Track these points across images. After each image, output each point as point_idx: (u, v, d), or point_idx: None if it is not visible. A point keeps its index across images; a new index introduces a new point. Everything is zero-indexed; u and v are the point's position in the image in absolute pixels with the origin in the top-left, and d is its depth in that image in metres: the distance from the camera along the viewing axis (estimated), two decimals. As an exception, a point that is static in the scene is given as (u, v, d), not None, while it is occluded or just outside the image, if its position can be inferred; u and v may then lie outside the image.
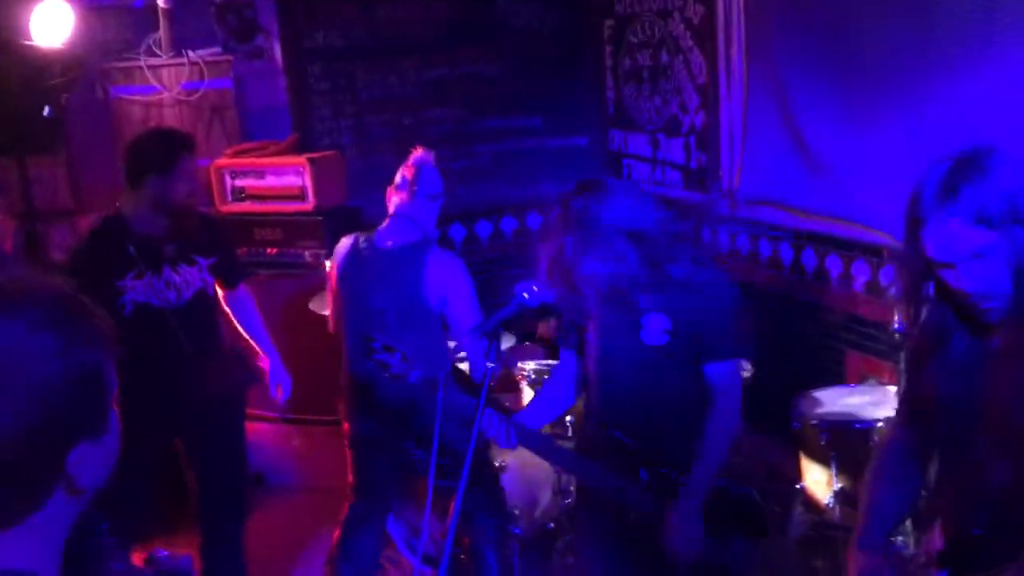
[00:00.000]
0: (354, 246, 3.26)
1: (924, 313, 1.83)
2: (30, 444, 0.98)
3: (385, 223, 3.24)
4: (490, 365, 2.09)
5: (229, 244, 3.53)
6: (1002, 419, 1.68)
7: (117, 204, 3.22)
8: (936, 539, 1.82)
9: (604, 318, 2.57)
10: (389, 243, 3.19)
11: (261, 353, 3.57)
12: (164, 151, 3.13)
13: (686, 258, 2.49)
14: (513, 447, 2.54)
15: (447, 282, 3.12)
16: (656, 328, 2.47)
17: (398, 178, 3.23)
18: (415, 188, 3.19)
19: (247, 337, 3.57)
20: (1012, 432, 1.67)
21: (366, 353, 2.45)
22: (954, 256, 1.64)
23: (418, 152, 3.27)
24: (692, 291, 2.45)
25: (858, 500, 2.13)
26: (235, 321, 3.55)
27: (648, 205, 2.49)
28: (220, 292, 3.46)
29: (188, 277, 3.22)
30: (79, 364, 1.00)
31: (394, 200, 3.23)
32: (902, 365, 3.37)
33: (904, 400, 2.11)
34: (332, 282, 3.31)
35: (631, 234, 2.38)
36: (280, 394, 3.57)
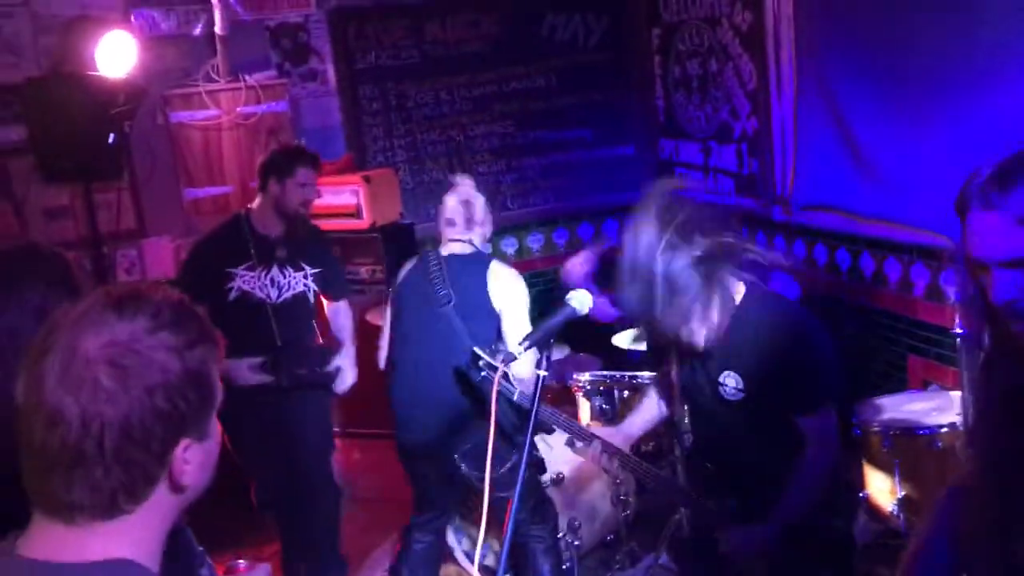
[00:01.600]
0: (421, 259, 3.33)
1: (974, 327, 1.59)
2: (142, 434, 1.04)
3: (444, 245, 3.29)
4: (542, 374, 2.08)
5: (335, 260, 3.89)
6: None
7: (248, 205, 3.63)
8: None
9: (682, 367, 2.52)
10: (453, 254, 3.26)
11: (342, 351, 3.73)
12: (286, 159, 3.56)
13: (751, 298, 2.35)
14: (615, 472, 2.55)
15: (507, 291, 3.17)
16: (731, 386, 2.39)
17: (447, 210, 3.28)
18: (469, 219, 3.26)
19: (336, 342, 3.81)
20: None
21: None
22: (988, 254, 1.43)
23: (459, 182, 3.34)
24: (762, 343, 2.33)
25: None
26: (332, 329, 3.82)
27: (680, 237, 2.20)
28: (325, 301, 3.77)
29: (292, 280, 3.56)
30: (193, 363, 1.07)
31: (447, 231, 3.29)
32: (964, 369, 3.32)
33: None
34: (393, 296, 3.37)
35: (665, 279, 2.19)
36: (340, 386, 3.68)
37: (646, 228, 2.21)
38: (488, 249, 3.42)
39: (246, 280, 3.48)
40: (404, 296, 3.30)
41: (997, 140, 3.35)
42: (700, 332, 2.35)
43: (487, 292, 3.16)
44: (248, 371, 3.40)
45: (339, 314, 3.80)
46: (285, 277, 3.54)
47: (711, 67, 5.18)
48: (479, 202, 3.29)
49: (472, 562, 3.79)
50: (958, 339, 3.33)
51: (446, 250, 3.27)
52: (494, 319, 3.17)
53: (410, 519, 3.41)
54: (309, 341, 3.66)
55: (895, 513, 3.32)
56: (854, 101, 4.13)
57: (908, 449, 3.30)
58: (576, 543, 3.57)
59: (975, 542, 1.71)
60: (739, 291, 2.37)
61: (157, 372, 1.04)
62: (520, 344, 2.10)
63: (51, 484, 1.03)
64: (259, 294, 3.49)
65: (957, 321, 3.34)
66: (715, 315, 2.32)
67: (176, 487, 1.09)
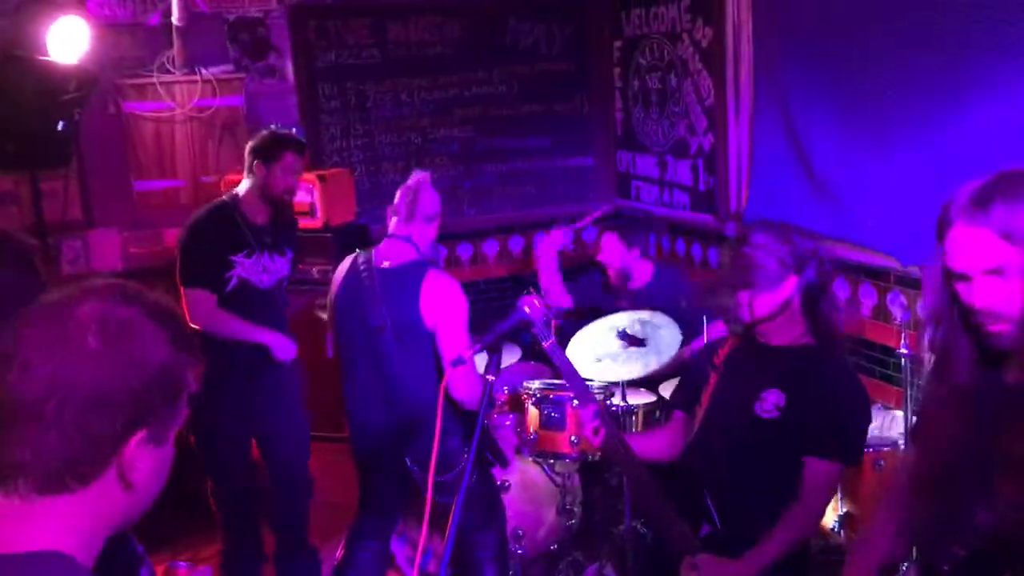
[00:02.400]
0: (352, 266, 3.26)
1: (939, 332, 1.73)
2: (108, 409, 1.03)
3: (383, 243, 3.24)
4: (490, 379, 2.07)
5: (301, 246, 3.94)
6: (1006, 463, 1.60)
7: (232, 190, 3.59)
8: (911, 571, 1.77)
9: (723, 380, 2.54)
10: (386, 263, 3.18)
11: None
12: (274, 143, 3.55)
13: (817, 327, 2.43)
14: (597, 445, 2.50)
15: (441, 307, 3.10)
16: (771, 402, 2.41)
17: (396, 199, 3.24)
18: (413, 209, 3.19)
19: None
20: (1014, 478, 1.59)
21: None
22: (972, 267, 1.58)
23: (416, 174, 3.30)
24: (821, 376, 2.39)
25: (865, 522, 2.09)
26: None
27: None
28: None
29: (279, 265, 3.60)
30: (175, 364, 1.09)
31: (392, 221, 3.25)
32: (909, 390, 3.37)
33: (916, 422, 2.04)
34: (331, 304, 3.32)
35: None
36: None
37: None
38: (433, 254, 3.35)
39: (245, 267, 3.48)
40: (340, 312, 3.23)
41: (949, 163, 3.41)
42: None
43: (419, 311, 3.05)
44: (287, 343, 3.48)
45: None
46: (273, 262, 3.57)
47: (670, 82, 5.22)
48: (427, 196, 3.20)
49: (413, 568, 3.75)
50: (903, 359, 3.38)
51: (382, 257, 3.18)
52: (430, 339, 3.07)
53: (355, 524, 3.36)
54: (285, 325, 3.68)
55: (835, 530, 3.36)
56: (809, 120, 4.19)
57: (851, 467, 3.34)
58: (520, 551, 3.55)
59: (917, 533, 1.79)
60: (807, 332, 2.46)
61: (142, 351, 1.05)
62: (470, 348, 2.09)
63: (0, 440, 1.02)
64: (254, 280, 3.51)
65: (903, 341, 3.40)
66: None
67: (124, 481, 1.06)
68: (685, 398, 2.71)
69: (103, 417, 1.03)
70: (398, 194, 3.24)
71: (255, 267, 3.50)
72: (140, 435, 1.06)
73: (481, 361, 2.18)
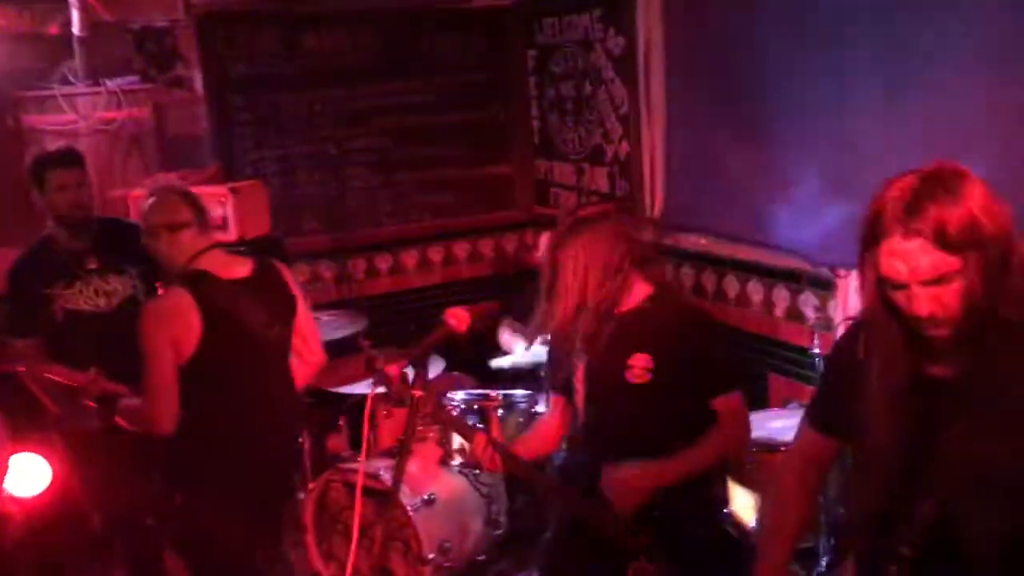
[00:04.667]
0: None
1: (874, 333, 1.72)
2: None
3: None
4: (416, 393, 2.06)
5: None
6: (945, 458, 1.61)
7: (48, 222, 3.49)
8: (848, 573, 1.79)
9: (589, 360, 2.62)
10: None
11: None
12: (34, 169, 3.43)
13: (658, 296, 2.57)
14: (498, 470, 2.59)
15: None
16: (638, 367, 2.52)
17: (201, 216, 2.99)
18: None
19: None
20: (953, 471, 1.61)
21: None
22: (911, 278, 1.56)
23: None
24: (666, 323, 2.52)
25: (761, 518, 2.14)
26: None
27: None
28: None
29: (118, 285, 3.46)
30: None
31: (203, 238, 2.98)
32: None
33: (820, 409, 2.00)
34: None
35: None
36: None
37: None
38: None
39: (67, 299, 3.39)
40: None
41: (857, 168, 3.52)
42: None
43: None
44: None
45: None
46: (109, 283, 3.46)
47: (585, 90, 5.27)
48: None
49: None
50: (816, 359, 3.47)
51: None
52: None
53: None
54: None
55: (757, 529, 3.41)
56: (722, 126, 4.27)
57: (771, 465, 3.40)
58: (447, 564, 3.52)
59: (859, 529, 1.83)
60: (643, 289, 2.58)
61: None
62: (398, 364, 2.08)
63: None
64: (87, 307, 3.40)
65: (815, 341, 3.49)
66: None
67: None
68: (557, 382, 2.78)
69: None
70: (202, 211, 3.01)
71: (79, 295, 3.40)
72: None
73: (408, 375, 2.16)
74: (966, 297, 1.54)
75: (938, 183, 1.55)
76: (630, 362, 2.52)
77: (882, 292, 1.63)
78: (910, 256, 1.54)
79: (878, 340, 1.69)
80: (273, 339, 3.01)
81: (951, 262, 1.52)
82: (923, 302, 1.56)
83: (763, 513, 2.09)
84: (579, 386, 2.66)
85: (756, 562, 2.00)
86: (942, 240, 1.51)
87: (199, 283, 2.84)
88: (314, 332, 3.23)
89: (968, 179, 1.56)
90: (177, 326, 2.79)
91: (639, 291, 2.58)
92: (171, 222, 2.89)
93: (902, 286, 1.58)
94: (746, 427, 2.67)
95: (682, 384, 2.50)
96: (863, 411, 1.71)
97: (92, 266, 3.43)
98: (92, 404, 3.06)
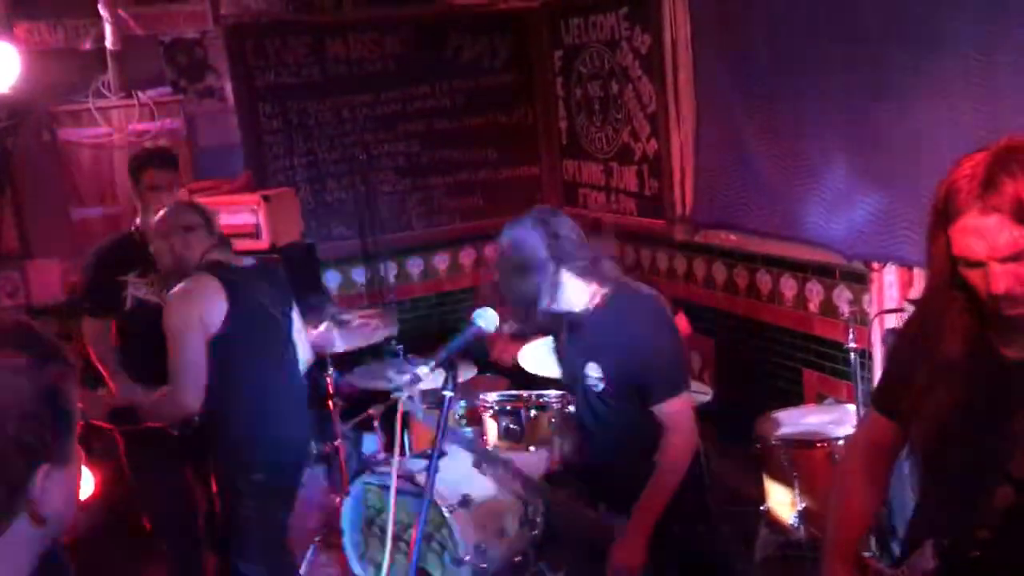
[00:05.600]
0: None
1: (932, 312, 1.69)
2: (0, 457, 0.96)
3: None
4: (447, 395, 2.06)
5: None
6: (1017, 441, 1.56)
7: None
8: (928, 558, 1.71)
9: (565, 363, 2.70)
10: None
11: None
12: (132, 166, 3.56)
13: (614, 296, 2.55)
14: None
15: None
16: (593, 376, 2.56)
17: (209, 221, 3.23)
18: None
19: None
20: None
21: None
22: (989, 255, 1.52)
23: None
24: (620, 336, 2.51)
25: (828, 507, 2.07)
26: None
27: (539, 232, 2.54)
28: None
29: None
30: (47, 386, 1.01)
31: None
32: (858, 384, 3.42)
33: (886, 392, 1.92)
34: None
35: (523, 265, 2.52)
36: None
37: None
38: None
39: (137, 286, 3.44)
40: None
41: (887, 162, 3.49)
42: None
43: None
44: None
45: None
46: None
47: (612, 89, 5.26)
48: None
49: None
50: (851, 354, 3.44)
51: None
52: None
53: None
54: None
55: (795, 525, 3.39)
56: (751, 122, 4.24)
57: (807, 461, 3.38)
58: (483, 566, 3.53)
59: (929, 518, 1.79)
60: (598, 290, 2.57)
61: (11, 396, 0.97)
62: (428, 365, 2.08)
63: None
64: (153, 299, 3.43)
65: (850, 336, 3.45)
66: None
67: (37, 518, 1.01)
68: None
69: None
70: (216, 222, 3.28)
71: (152, 287, 3.45)
72: (42, 471, 1.00)
73: (438, 378, 2.17)
74: None
75: (1012, 158, 1.51)
76: (586, 371, 2.57)
77: (953, 272, 1.59)
78: (988, 232, 1.50)
79: (944, 320, 1.65)
80: (283, 318, 3.26)
81: None
82: (1001, 279, 1.52)
83: (830, 502, 2.03)
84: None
85: (824, 554, 1.92)
86: (1021, 215, 1.47)
87: (218, 269, 3.07)
88: (302, 331, 3.45)
89: None
90: (205, 302, 3.00)
91: (591, 293, 2.57)
92: (187, 224, 3.13)
93: (978, 264, 1.54)
94: (687, 432, 2.55)
95: (630, 393, 2.52)
96: (926, 393, 1.68)
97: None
98: (104, 424, 3.21)
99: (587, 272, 2.55)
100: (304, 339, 3.48)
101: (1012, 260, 1.51)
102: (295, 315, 3.36)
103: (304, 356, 3.45)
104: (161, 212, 3.19)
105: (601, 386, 2.53)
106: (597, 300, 2.57)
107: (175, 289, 3.07)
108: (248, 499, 3.15)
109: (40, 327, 1.07)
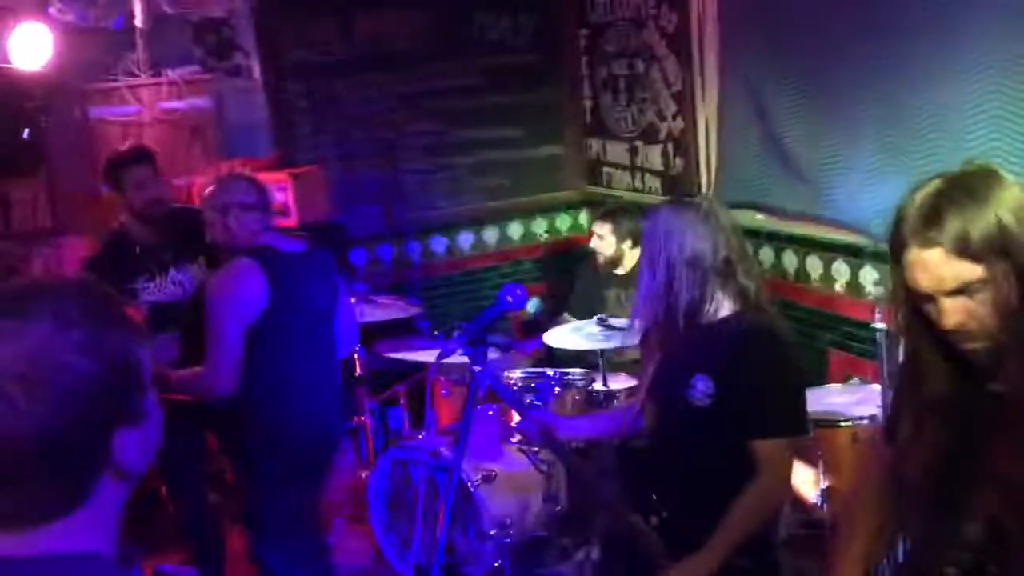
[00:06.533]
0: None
1: (909, 344, 1.65)
2: (72, 438, 0.99)
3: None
4: (476, 370, 2.08)
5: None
6: (995, 477, 1.52)
7: (121, 218, 3.61)
8: None
9: (661, 362, 2.49)
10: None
11: None
12: (109, 169, 3.56)
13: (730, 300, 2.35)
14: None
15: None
16: (701, 390, 2.34)
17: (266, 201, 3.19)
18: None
19: None
20: (1003, 490, 1.51)
21: None
22: (934, 288, 1.48)
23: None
24: (737, 350, 2.32)
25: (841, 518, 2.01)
26: None
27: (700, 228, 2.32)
28: None
29: (191, 274, 3.60)
30: (110, 355, 1.01)
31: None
32: (884, 364, 3.41)
33: (888, 420, 1.90)
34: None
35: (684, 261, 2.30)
36: None
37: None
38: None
39: (150, 291, 3.50)
40: None
41: (916, 144, 3.47)
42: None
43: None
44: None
45: None
46: (184, 273, 3.59)
47: (638, 68, 5.25)
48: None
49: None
50: (877, 333, 3.43)
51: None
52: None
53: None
54: None
55: (819, 503, 3.41)
56: (777, 101, 4.23)
57: (831, 441, 3.39)
58: (507, 540, 3.57)
59: (908, 549, 1.76)
60: (729, 305, 2.38)
61: (72, 378, 0.98)
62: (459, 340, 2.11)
63: None
64: (168, 299, 3.52)
65: (877, 315, 3.44)
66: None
67: (121, 475, 1.05)
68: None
69: (68, 453, 0.98)
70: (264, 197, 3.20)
71: (162, 287, 3.54)
72: (119, 433, 1.02)
73: (465, 355, 2.20)
74: (999, 307, 1.45)
75: (962, 188, 1.47)
76: (692, 382, 2.35)
77: (914, 305, 1.56)
78: (931, 267, 1.46)
79: (913, 353, 1.62)
80: (323, 309, 3.21)
81: (975, 271, 1.44)
82: (950, 314, 1.48)
83: (839, 526, 1.98)
84: (647, 384, 2.56)
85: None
86: (963, 249, 1.43)
87: (263, 254, 3.05)
88: (349, 319, 3.40)
89: (999, 182, 1.48)
90: (247, 290, 2.98)
91: (720, 304, 2.39)
92: (244, 202, 3.08)
93: (930, 297, 1.51)
94: (781, 479, 2.40)
95: (739, 418, 2.32)
96: (915, 431, 1.63)
97: (168, 257, 3.55)
98: None
99: (728, 282, 2.36)
100: (354, 325, 3.45)
101: (960, 294, 1.47)
102: (342, 302, 3.31)
103: (352, 341, 3.46)
104: (218, 182, 3.14)
105: (707, 402, 2.33)
106: (724, 313, 2.38)
107: (219, 271, 3.08)
108: (264, 487, 3.15)
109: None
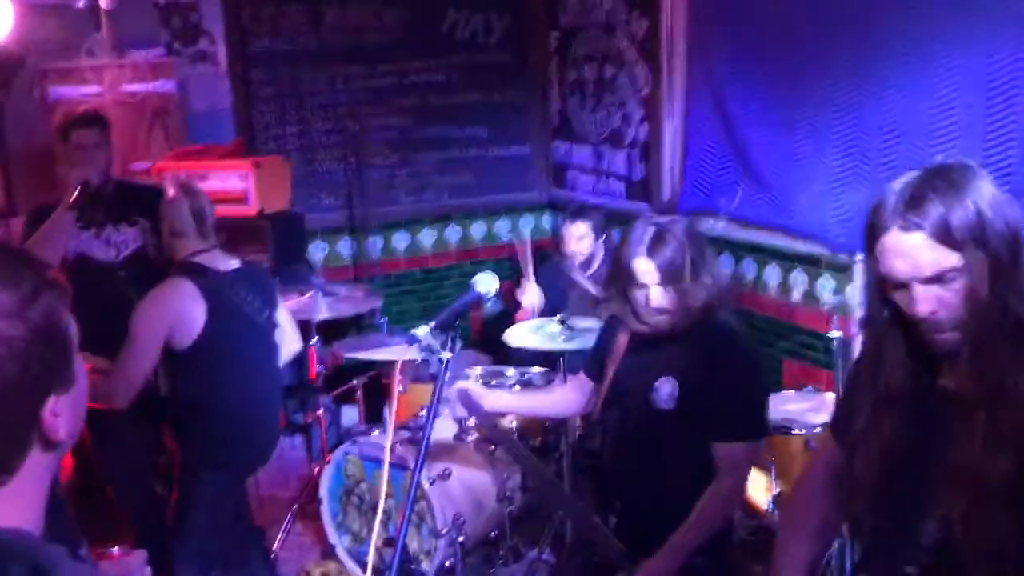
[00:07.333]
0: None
1: (871, 337, 1.65)
2: (2, 407, 0.96)
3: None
4: (446, 356, 2.08)
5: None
6: (955, 476, 1.51)
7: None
8: None
9: (625, 361, 2.52)
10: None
11: None
12: (60, 125, 3.62)
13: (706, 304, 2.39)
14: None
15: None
16: (666, 392, 2.39)
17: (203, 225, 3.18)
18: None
19: None
20: (962, 489, 1.50)
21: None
22: (910, 275, 1.48)
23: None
24: (703, 353, 2.37)
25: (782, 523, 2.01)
26: None
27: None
28: None
29: (128, 237, 3.57)
30: (37, 318, 0.98)
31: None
32: (839, 373, 3.46)
33: (836, 417, 1.89)
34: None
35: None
36: None
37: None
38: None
39: (82, 241, 3.48)
40: None
41: (880, 154, 3.52)
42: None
43: None
44: None
45: None
46: (120, 233, 3.56)
47: (606, 72, 5.27)
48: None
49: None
50: (833, 343, 3.48)
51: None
52: None
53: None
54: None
55: (770, 510, 3.44)
56: (742, 110, 4.27)
57: (784, 448, 3.43)
58: (461, 539, 3.56)
59: (863, 550, 1.77)
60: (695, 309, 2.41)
61: (2, 346, 0.95)
62: (428, 325, 2.10)
63: None
64: (98, 255, 3.49)
65: (833, 325, 3.49)
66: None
67: (49, 444, 1.01)
68: (592, 367, 2.69)
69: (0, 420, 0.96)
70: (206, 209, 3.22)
71: (93, 241, 3.51)
72: (50, 401, 0.99)
73: (435, 340, 2.18)
74: (970, 298, 1.46)
75: (942, 178, 1.48)
76: (657, 384, 2.40)
77: (883, 295, 1.56)
78: (910, 251, 1.47)
79: (876, 346, 1.62)
80: (264, 322, 3.30)
81: (952, 259, 1.45)
82: (924, 302, 1.47)
83: (780, 526, 1.99)
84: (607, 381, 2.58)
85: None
86: (943, 235, 1.44)
87: (198, 274, 3.10)
88: (291, 322, 3.51)
89: (975, 175, 1.49)
90: (180, 312, 3.04)
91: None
92: (173, 230, 3.16)
93: (902, 285, 1.50)
94: (741, 481, 2.46)
95: (703, 421, 2.37)
96: (869, 426, 1.63)
97: (103, 215, 3.52)
98: None
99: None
100: (292, 331, 3.52)
101: (935, 282, 1.47)
102: (280, 314, 3.39)
103: (292, 347, 3.52)
104: (165, 199, 3.18)
105: (672, 404, 2.38)
106: (690, 317, 2.40)
107: (153, 291, 3.08)
108: (200, 495, 3.17)
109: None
